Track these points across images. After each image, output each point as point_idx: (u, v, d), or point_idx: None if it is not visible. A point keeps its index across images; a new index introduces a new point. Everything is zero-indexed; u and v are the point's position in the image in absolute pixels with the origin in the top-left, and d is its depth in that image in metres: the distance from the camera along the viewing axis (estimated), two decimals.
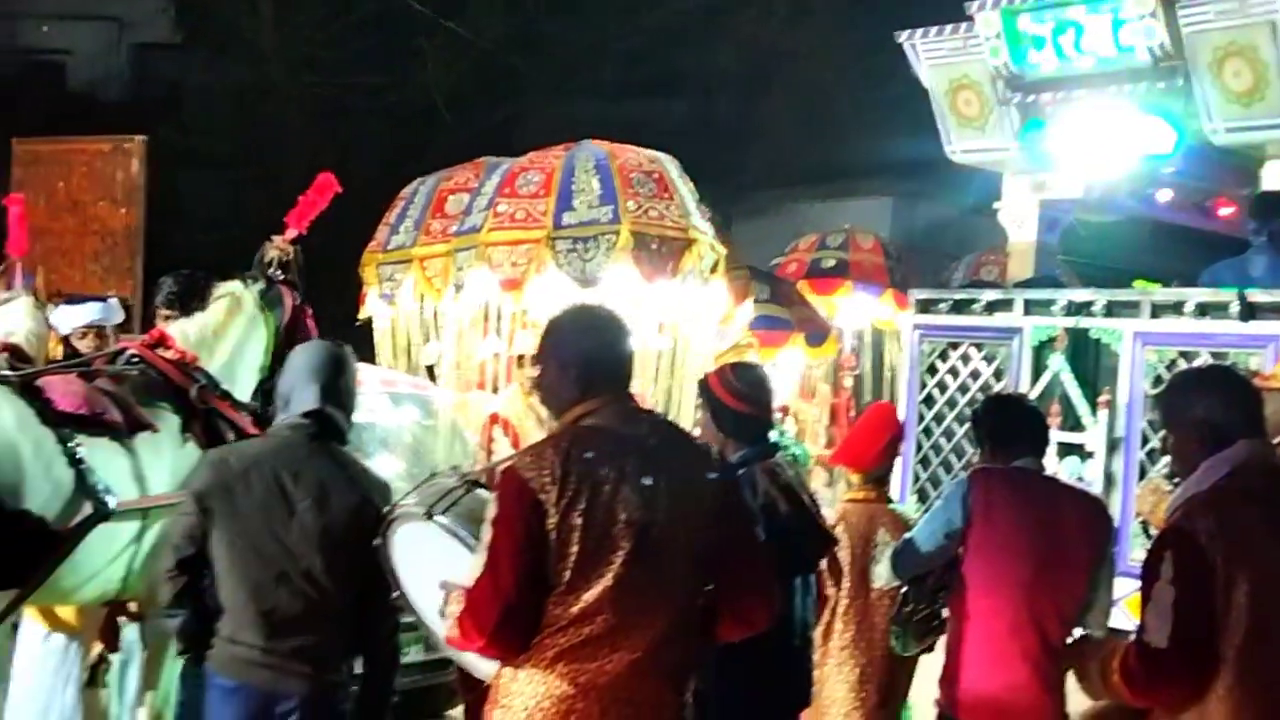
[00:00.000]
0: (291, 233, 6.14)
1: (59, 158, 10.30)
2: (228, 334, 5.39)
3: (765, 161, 19.92)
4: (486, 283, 7.10)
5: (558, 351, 3.70)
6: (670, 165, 7.38)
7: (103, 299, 6.46)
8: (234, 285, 5.57)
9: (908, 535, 5.09)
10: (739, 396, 4.86)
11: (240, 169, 20.72)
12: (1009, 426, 4.91)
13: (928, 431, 7.70)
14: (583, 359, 3.64)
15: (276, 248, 6.00)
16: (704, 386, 5.00)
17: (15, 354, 4.80)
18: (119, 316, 6.51)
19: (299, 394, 4.30)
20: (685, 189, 7.29)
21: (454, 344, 7.40)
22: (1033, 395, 7.32)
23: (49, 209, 10.12)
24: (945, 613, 4.91)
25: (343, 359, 4.47)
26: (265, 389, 5.52)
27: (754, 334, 9.36)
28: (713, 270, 7.14)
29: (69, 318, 5.98)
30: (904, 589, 5.11)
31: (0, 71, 25.40)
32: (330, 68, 20.52)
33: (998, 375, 7.61)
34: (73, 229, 10.03)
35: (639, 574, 3.43)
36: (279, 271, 5.79)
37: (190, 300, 5.68)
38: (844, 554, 5.89)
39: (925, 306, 8.01)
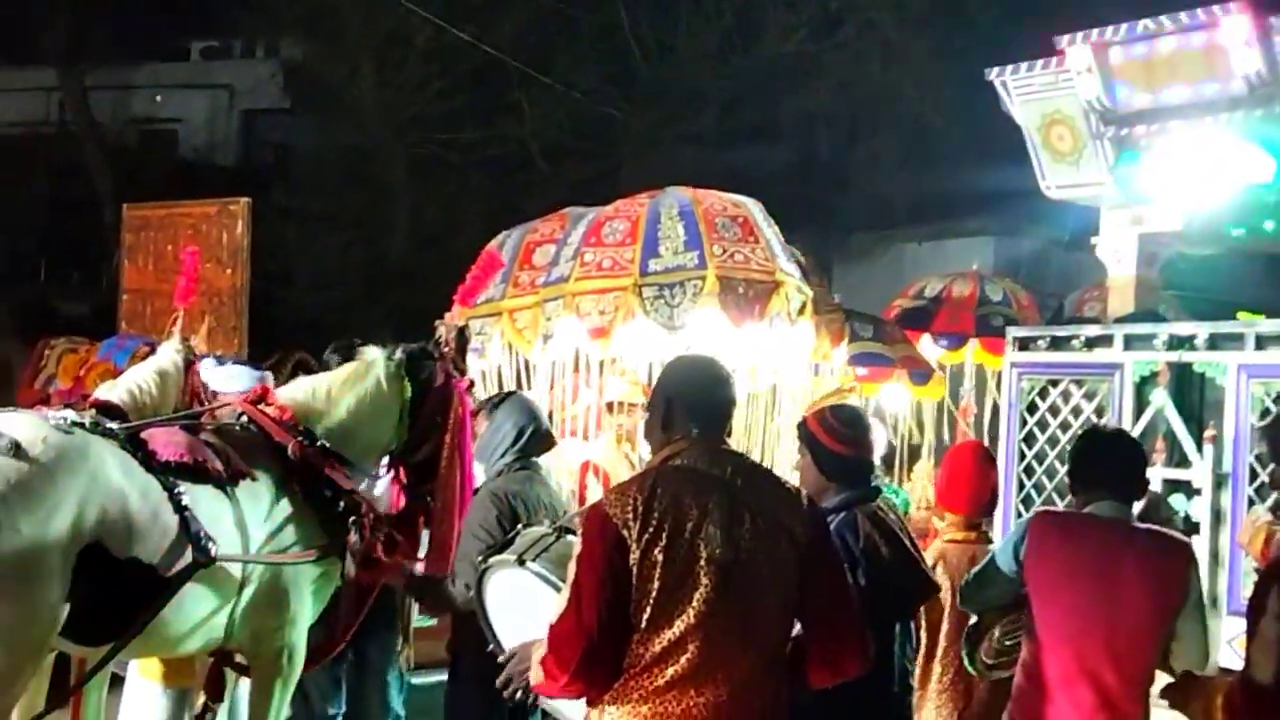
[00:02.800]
0: (458, 309, 6.25)
1: (167, 222, 10.54)
2: (345, 398, 5.45)
3: (865, 204, 19.90)
4: (575, 332, 7.14)
5: (656, 395, 3.82)
6: (755, 209, 7.38)
7: (258, 366, 6.61)
8: (371, 352, 5.65)
9: (973, 570, 4.99)
10: (838, 438, 4.82)
11: (345, 228, 21.15)
12: (1086, 468, 4.63)
13: (1029, 470, 7.58)
14: (672, 401, 3.72)
15: (445, 324, 6.13)
16: (803, 428, 4.97)
17: (106, 410, 4.92)
18: (272, 383, 6.67)
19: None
20: (771, 232, 7.29)
21: (545, 394, 7.44)
22: (1135, 432, 7.18)
23: (158, 272, 10.38)
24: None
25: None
26: (397, 456, 5.62)
27: (855, 372, 9.31)
28: (800, 312, 7.11)
29: (229, 381, 6.09)
30: (975, 620, 5.02)
31: (117, 142, 26.19)
32: (431, 125, 20.92)
33: (1099, 412, 7.49)
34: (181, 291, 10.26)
35: (722, 613, 3.43)
36: (439, 348, 5.88)
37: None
38: (943, 596, 5.81)
39: (1024, 344, 7.90)
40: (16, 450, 4.15)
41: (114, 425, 4.71)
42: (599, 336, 7.06)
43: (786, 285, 7.02)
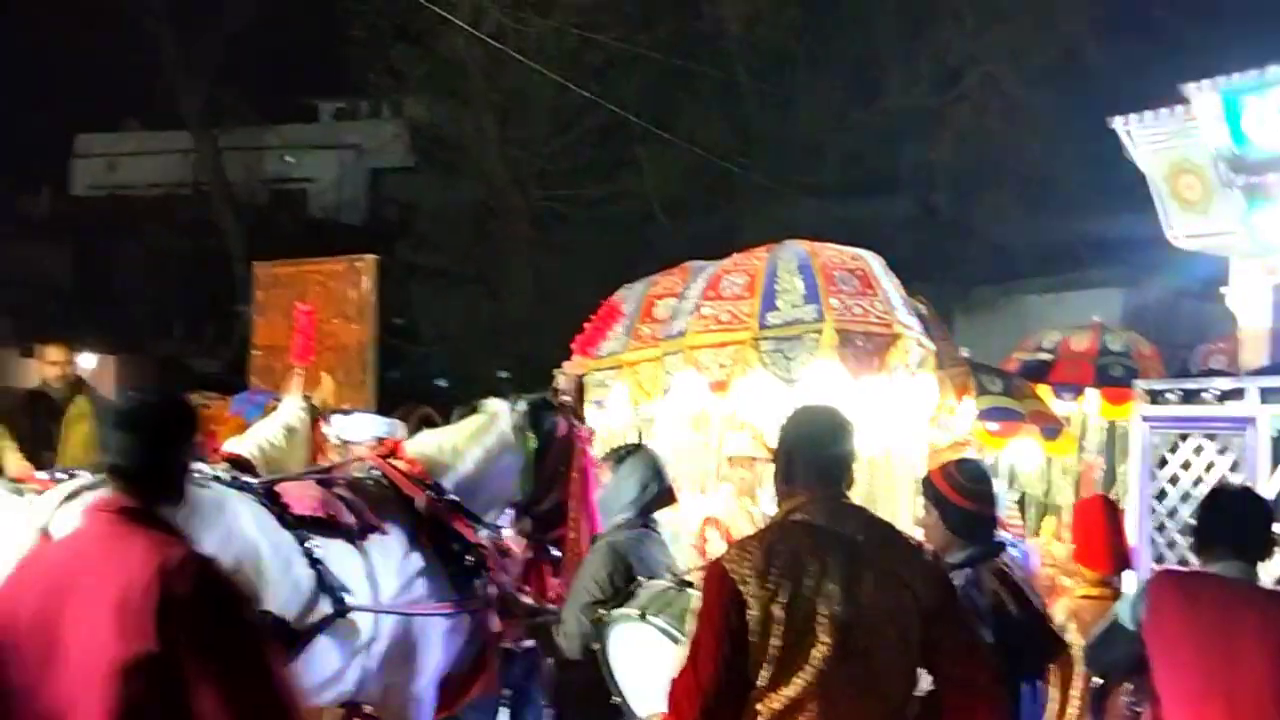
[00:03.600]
0: (578, 359, 6.31)
1: (295, 279, 10.78)
2: (471, 451, 5.53)
3: (987, 256, 19.69)
4: (694, 385, 7.15)
5: (779, 449, 3.80)
6: (874, 262, 7.35)
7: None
8: (495, 404, 5.73)
9: (1098, 630, 4.88)
10: (964, 493, 4.77)
11: (469, 283, 21.45)
12: (1209, 526, 4.48)
13: (1161, 528, 7.40)
14: (793, 456, 3.70)
15: (564, 374, 6.20)
16: (928, 484, 4.92)
17: (237, 465, 5.04)
18: (401, 433, 6.79)
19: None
20: (890, 285, 7.24)
21: (666, 448, 7.44)
22: (1273, 488, 6.99)
23: (287, 327, 10.62)
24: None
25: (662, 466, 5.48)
26: (522, 507, 5.68)
27: (986, 427, 9.18)
28: (921, 365, 7.06)
29: (361, 429, 6.21)
30: (1102, 682, 4.91)
31: (250, 201, 26.93)
32: (553, 181, 21.20)
33: (1233, 467, 7.30)
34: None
35: (844, 671, 3.39)
36: (558, 397, 5.95)
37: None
38: (1076, 654, 5.69)
39: (1154, 397, 7.73)
40: None
41: (250, 480, 4.83)
42: (718, 390, 7.06)
43: (905, 338, 6.97)
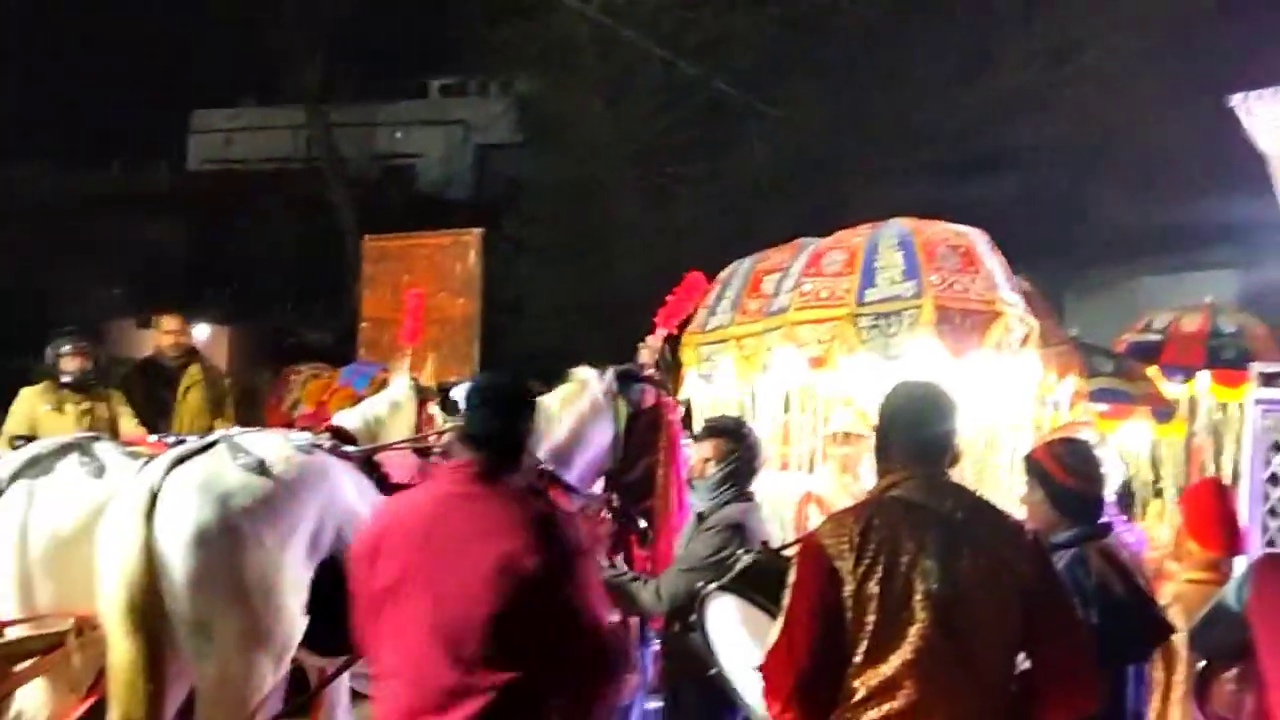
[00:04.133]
0: (661, 331, 6.32)
1: (403, 253, 10.91)
2: (565, 419, 5.57)
3: (1101, 237, 19.31)
4: (794, 362, 7.11)
5: (880, 424, 3.78)
6: (978, 239, 7.23)
7: None
8: (584, 372, 5.75)
9: (1204, 613, 4.78)
10: (1070, 471, 4.69)
11: (576, 259, 21.53)
12: None
13: (1273, 512, 7.24)
14: (891, 432, 3.69)
15: (647, 347, 6.21)
16: (1032, 462, 4.86)
17: (340, 435, 5.12)
18: None
19: None
20: (994, 262, 7.12)
21: (769, 423, 7.41)
22: None
23: (394, 301, 10.75)
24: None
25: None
26: (611, 477, 5.70)
27: (1095, 409, 9.03)
28: (1024, 342, 6.94)
29: None
30: (1204, 665, 4.81)
31: (360, 176, 27.28)
32: (660, 158, 21.17)
33: None
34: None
35: (941, 649, 3.37)
36: (644, 369, 5.96)
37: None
38: (1180, 638, 5.58)
39: (1268, 380, 7.57)
40: (262, 468, 4.36)
41: (351, 449, 4.91)
42: (816, 366, 7.02)
43: (1007, 315, 6.85)
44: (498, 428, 3.69)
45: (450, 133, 30.86)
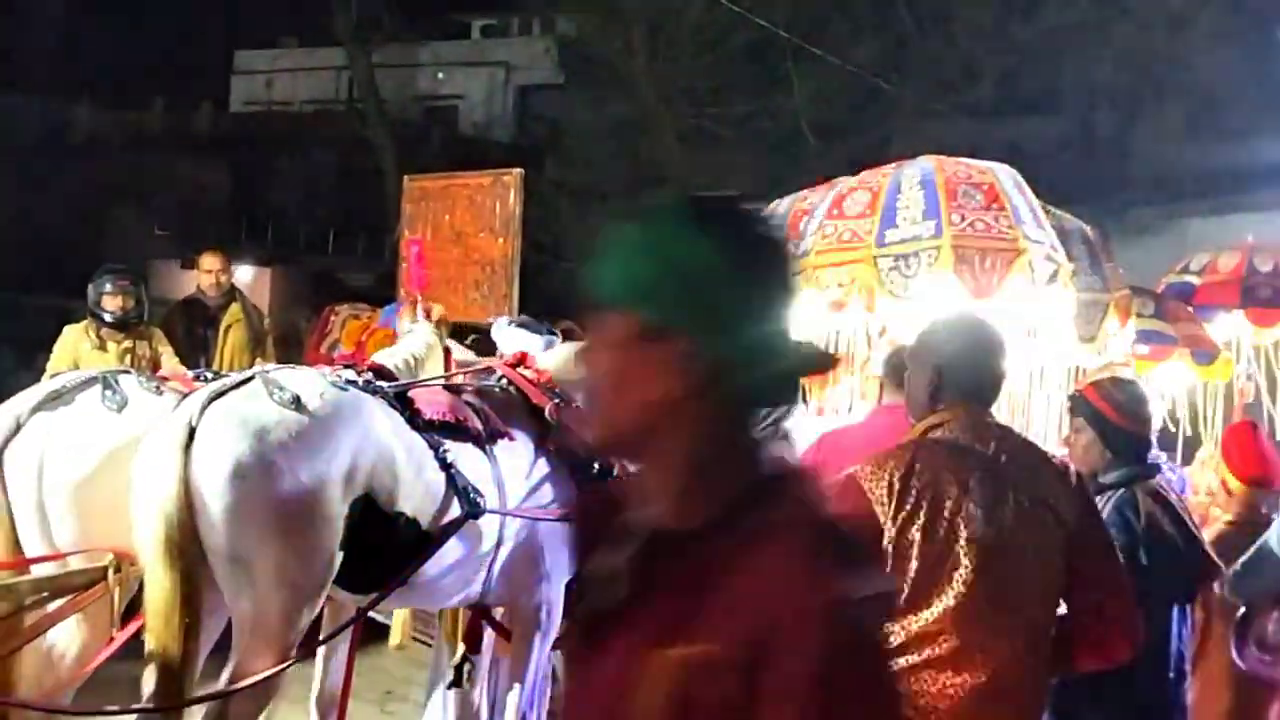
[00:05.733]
0: None
1: (444, 193, 10.85)
2: None
3: (1149, 176, 19.04)
4: (814, 304, 7.03)
5: (920, 359, 3.69)
6: (1004, 175, 7.08)
7: (551, 330, 6.81)
8: None
9: (1245, 557, 4.73)
10: (1120, 410, 4.64)
11: (616, 200, 21.44)
12: None
13: None
14: (938, 368, 3.59)
15: None
16: (1082, 402, 4.79)
17: (381, 374, 5.11)
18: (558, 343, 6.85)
19: None
20: (1021, 199, 6.97)
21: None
22: None
23: (436, 241, 10.71)
24: None
25: None
26: None
27: (1135, 350, 8.92)
28: (1052, 279, 6.82)
29: (520, 341, 6.27)
30: (1244, 610, 4.77)
31: (401, 118, 27.24)
32: (702, 99, 21.00)
33: None
34: (456, 259, 10.57)
35: (983, 595, 3.31)
36: None
37: None
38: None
39: None
40: (297, 403, 4.36)
41: (384, 384, 4.89)
42: (837, 310, 6.93)
43: (1030, 252, 6.74)
44: None
45: (492, 74, 30.73)
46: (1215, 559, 5.00)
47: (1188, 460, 10.34)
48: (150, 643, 4.21)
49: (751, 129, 20.72)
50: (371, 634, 6.26)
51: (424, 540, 4.60)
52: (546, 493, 5.11)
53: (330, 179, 26.30)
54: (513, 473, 5.00)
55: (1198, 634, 5.57)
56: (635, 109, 21.65)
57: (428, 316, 6.33)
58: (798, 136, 20.28)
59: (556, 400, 5.29)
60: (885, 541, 3.33)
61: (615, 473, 5.20)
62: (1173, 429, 10.07)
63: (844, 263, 6.89)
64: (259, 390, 4.37)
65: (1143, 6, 19.38)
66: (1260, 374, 11.11)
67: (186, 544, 4.19)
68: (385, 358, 5.59)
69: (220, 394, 4.37)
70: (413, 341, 5.84)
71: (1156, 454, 8.14)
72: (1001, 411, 6.90)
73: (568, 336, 7.08)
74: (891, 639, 3.32)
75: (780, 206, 7.86)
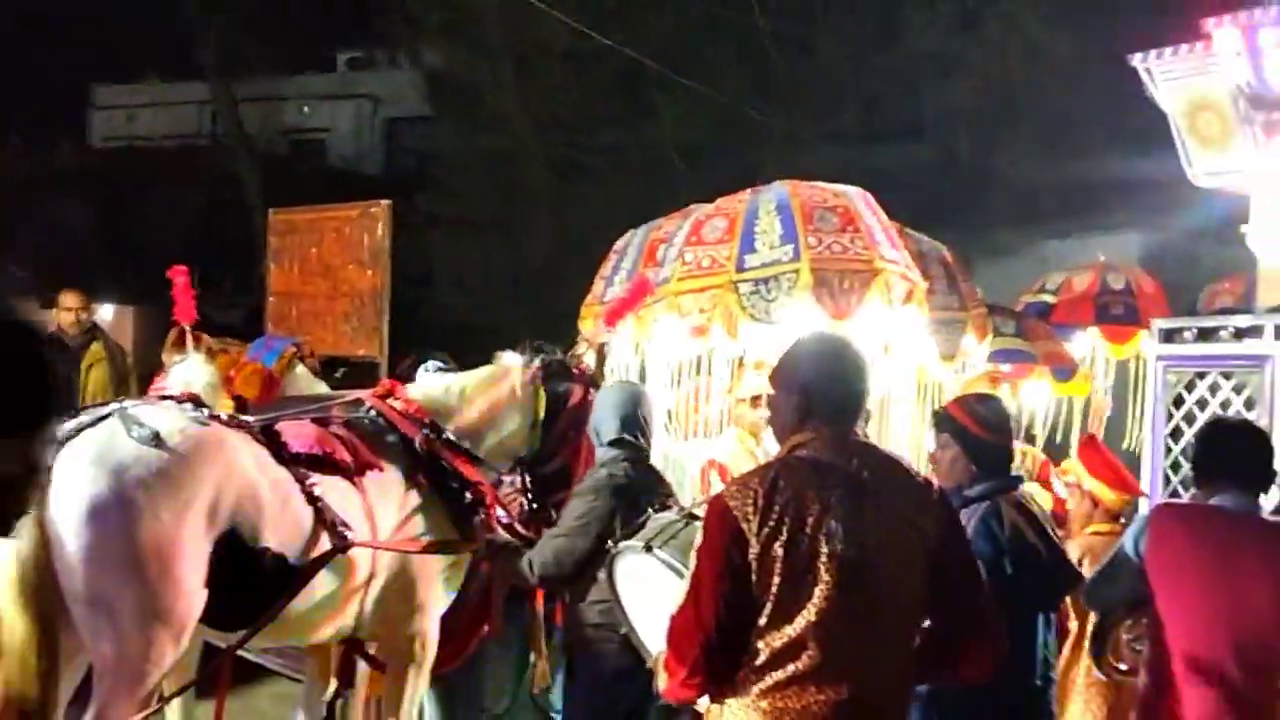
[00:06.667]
0: (606, 331, 6.28)
1: (311, 225, 10.78)
2: (479, 401, 5.53)
3: (1008, 199, 19.49)
4: (677, 332, 7.08)
5: (783, 379, 3.71)
6: (858, 198, 7.23)
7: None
8: (509, 358, 5.71)
9: (1100, 566, 4.87)
10: (984, 425, 4.74)
11: (487, 231, 21.41)
12: (1209, 459, 4.50)
13: (1175, 466, 7.35)
14: (801, 388, 3.60)
15: (589, 342, 6.18)
16: (946, 418, 4.88)
17: (195, 403, 5.03)
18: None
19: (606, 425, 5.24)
20: (874, 220, 7.11)
21: (663, 392, 7.36)
22: None
23: (302, 274, 10.64)
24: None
25: (640, 394, 5.48)
26: (525, 466, 5.65)
27: (998, 368, 9.14)
28: (907, 300, 6.96)
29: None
30: (1099, 619, 4.91)
31: (268, 152, 26.88)
32: (571, 129, 21.07)
33: (1249, 405, 7.25)
34: (324, 292, 10.50)
35: (845, 610, 3.34)
36: (579, 364, 5.93)
37: None
38: None
39: (1169, 336, 7.66)
40: (157, 440, 4.27)
41: (248, 419, 4.83)
42: (698, 335, 7.00)
43: (887, 273, 6.87)
44: None
45: (359, 106, 30.51)
46: (1077, 568, 5.13)
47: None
48: (6, 690, 4.09)
49: (621, 158, 20.83)
50: (245, 674, 6.15)
51: (292, 575, 4.54)
52: (418, 524, 5.07)
53: (196, 214, 25.83)
54: (383, 505, 4.95)
55: (1071, 641, 5.71)
56: (505, 139, 21.63)
57: (197, 345, 6.28)
58: (667, 164, 20.43)
59: (426, 431, 5.25)
60: (750, 558, 3.35)
61: (486, 504, 5.20)
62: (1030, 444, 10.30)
63: (705, 289, 6.95)
64: (116, 427, 4.28)
65: (998, 34, 19.90)
66: (1104, 393, 11.45)
67: (43, 586, 4.07)
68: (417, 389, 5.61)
69: (77, 431, 4.27)
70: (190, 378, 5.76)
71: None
72: (863, 428, 7.04)
73: (439, 369, 7.05)
74: (758, 656, 3.36)
75: (636, 236, 7.92)
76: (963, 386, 7.77)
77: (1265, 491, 4.54)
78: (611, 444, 5.31)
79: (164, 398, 4.94)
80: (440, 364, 6.78)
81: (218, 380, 5.83)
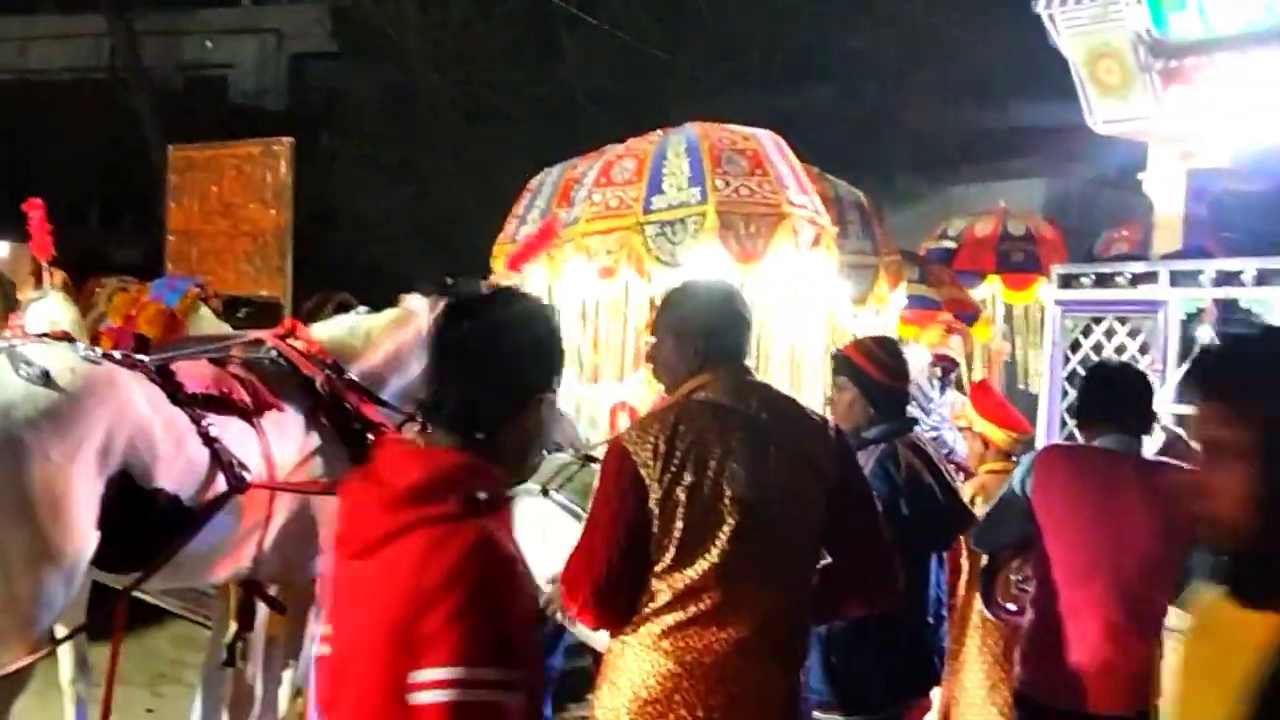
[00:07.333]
0: (509, 273, 6.22)
1: (211, 163, 10.59)
2: (384, 343, 5.47)
3: (913, 145, 19.62)
4: (583, 272, 7.05)
5: (671, 324, 3.69)
6: (768, 141, 7.23)
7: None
8: (414, 301, 5.65)
9: (989, 508, 4.97)
10: (882, 368, 4.79)
11: (395, 171, 21.14)
12: (1092, 402, 4.65)
13: (1072, 409, 7.50)
14: (694, 332, 3.60)
15: (489, 284, 6.13)
16: (844, 360, 4.92)
17: (69, 341, 4.93)
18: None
19: None
20: (784, 164, 7.12)
21: (577, 333, 7.35)
22: (1180, 370, 7.10)
23: (203, 213, 10.46)
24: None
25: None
26: (428, 409, 5.59)
27: (902, 314, 9.26)
28: (816, 244, 6.99)
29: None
30: (988, 561, 5.02)
31: (167, 87, 26.25)
32: (477, 68, 20.82)
33: (1143, 350, 7.40)
34: (225, 231, 10.33)
35: (746, 551, 3.37)
36: None
37: None
38: None
39: (1067, 282, 7.78)
40: (46, 379, 4.19)
41: (144, 358, 4.74)
42: (605, 276, 6.98)
43: (794, 217, 6.88)
44: None
45: (263, 41, 29.83)
46: (970, 509, 5.22)
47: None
48: None
49: (528, 98, 20.63)
50: (143, 616, 6.08)
51: (187, 516, 4.48)
52: (318, 465, 5.02)
53: (94, 150, 25.22)
54: (282, 445, 4.90)
55: (964, 579, 5.82)
56: (411, 78, 21.34)
57: (54, 281, 6.16)
58: (574, 105, 20.28)
59: (328, 372, 5.19)
60: (652, 504, 3.36)
61: None
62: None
63: (612, 230, 6.95)
64: (4, 366, 4.19)
65: None
66: (1003, 338, 11.65)
67: None
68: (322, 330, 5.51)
69: None
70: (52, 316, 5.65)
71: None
72: (775, 373, 7.09)
73: (342, 307, 6.98)
74: (659, 597, 3.38)
75: (551, 175, 7.87)
76: (924, 342, 7.81)
77: (1146, 433, 4.66)
78: None
79: (41, 336, 4.84)
80: (363, 309, 6.70)
81: (79, 317, 5.70)
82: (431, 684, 2.25)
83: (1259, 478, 1.79)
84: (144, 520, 4.37)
